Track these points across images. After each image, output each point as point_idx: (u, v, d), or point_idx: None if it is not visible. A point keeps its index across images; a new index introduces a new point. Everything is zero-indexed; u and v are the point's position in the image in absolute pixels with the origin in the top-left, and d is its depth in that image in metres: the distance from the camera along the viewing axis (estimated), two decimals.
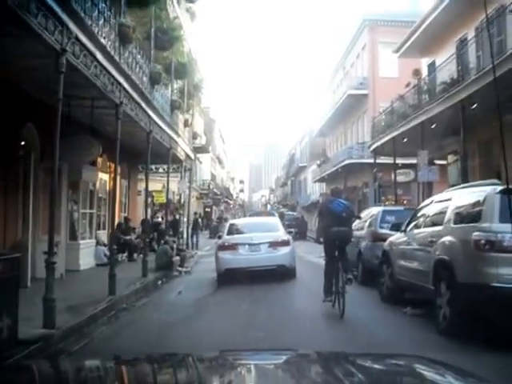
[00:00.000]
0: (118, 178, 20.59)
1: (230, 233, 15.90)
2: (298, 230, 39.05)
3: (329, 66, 52.14)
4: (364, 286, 13.31)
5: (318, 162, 49.96)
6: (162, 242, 18.50)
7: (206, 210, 61.21)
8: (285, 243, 14.96)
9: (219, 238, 16.70)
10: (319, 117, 53.34)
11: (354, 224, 12.28)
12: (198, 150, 48.10)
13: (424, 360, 2.52)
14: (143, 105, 13.93)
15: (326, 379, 2.32)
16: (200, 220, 45.29)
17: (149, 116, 14.74)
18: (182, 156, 21.30)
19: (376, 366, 2.54)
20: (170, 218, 31.79)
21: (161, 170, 26.71)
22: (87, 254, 16.21)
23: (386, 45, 34.40)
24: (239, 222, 21.79)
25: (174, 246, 16.87)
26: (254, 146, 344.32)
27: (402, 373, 2.38)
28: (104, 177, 18.94)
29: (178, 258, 16.67)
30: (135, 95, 13.04)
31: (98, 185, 17.84)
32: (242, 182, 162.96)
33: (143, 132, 15.03)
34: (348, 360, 2.62)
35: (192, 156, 24.65)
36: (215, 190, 61.34)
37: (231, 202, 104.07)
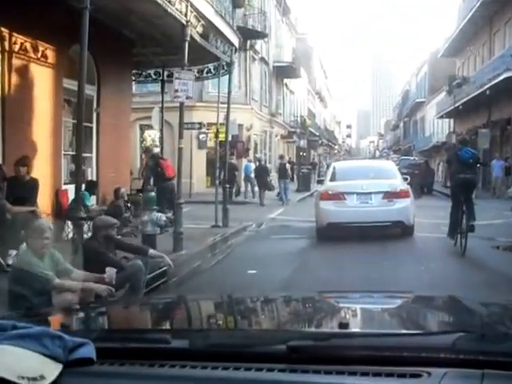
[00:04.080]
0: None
1: (334, 178, 13.29)
2: (422, 182, 27.05)
3: None
4: None
5: (447, 88, 37.11)
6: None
7: (303, 154, 49.39)
8: (403, 194, 12.24)
9: (319, 183, 15.60)
10: (446, 33, 40.43)
11: None
12: (284, 71, 36.71)
13: None
14: None
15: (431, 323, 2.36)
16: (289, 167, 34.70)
17: None
18: (180, 16, 9.34)
19: (490, 312, 2.46)
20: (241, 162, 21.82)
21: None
22: None
23: None
24: (346, 165, 18.14)
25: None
26: (361, 91, 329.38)
27: None
28: None
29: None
30: None
31: None
32: (349, 126, 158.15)
33: None
34: (461, 304, 2.61)
35: (233, 40, 13.07)
36: (311, 130, 49.54)
37: (336, 147, 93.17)
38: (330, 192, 12.40)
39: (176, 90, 9.28)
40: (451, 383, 1.47)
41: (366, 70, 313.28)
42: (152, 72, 15.54)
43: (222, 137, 27.39)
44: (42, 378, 1.40)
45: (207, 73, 14.70)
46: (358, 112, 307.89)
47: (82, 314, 2.44)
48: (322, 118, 71.19)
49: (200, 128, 24.20)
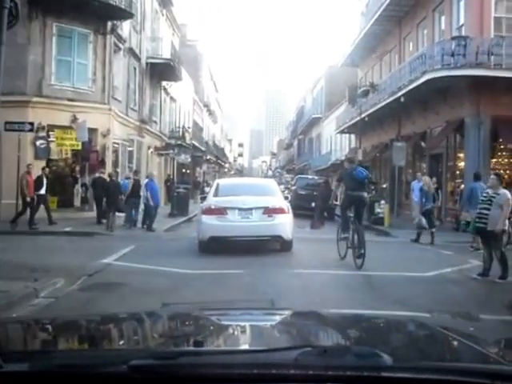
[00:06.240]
0: None
1: (217, 194, 13.82)
2: (324, 205, 21.99)
3: None
4: None
5: (347, 99, 32.66)
6: None
7: (187, 171, 43.20)
8: (282, 210, 13.12)
9: (203, 199, 15.53)
10: (347, 42, 36.30)
11: None
12: (161, 71, 30.47)
13: (422, 325, 2.72)
14: None
15: (298, 336, 2.40)
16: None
17: None
18: None
19: (358, 325, 2.61)
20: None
21: None
22: None
23: None
24: (229, 182, 19.34)
25: None
26: (255, 110, 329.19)
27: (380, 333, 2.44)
28: None
29: None
30: None
31: None
32: (241, 145, 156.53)
33: None
34: (318, 320, 2.72)
35: None
36: (196, 144, 43.56)
37: (226, 166, 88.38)
38: (212, 207, 12.94)
39: None
40: None
41: (259, 89, 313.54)
42: None
43: (70, 144, 20.92)
44: None
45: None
46: (251, 131, 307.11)
47: None
48: (210, 133, 65.61)
49: (31, 130, 17.71)
